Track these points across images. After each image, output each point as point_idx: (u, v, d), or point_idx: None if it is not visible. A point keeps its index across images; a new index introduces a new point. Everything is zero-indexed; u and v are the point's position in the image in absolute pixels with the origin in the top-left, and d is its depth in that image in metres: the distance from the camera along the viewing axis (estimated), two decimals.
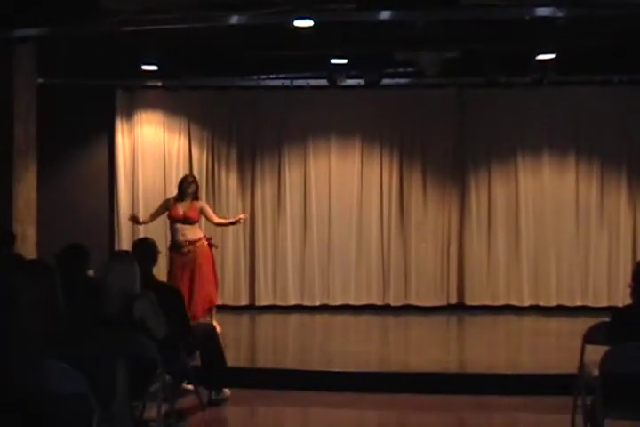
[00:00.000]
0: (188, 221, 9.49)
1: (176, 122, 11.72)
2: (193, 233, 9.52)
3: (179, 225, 9.54)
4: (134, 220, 9.92)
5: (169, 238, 9.72)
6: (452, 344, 10.10)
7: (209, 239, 9.65)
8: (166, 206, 9.70)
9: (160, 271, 9.22)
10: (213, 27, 8.45)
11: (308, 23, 8.02)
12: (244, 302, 11.66)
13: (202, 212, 9.71)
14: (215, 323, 9.12)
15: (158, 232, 10.39)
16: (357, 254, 11.61)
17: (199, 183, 10.13)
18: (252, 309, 11.58)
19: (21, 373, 4.07)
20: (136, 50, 9.85)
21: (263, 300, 11.65)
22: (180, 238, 9.48)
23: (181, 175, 11.53)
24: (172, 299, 6.24)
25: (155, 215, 9.92)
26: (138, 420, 5.68)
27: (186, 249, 9.45)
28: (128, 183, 11.61)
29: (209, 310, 9.60)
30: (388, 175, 11.63)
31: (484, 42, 9.50)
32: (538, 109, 11.35)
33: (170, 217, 9.62)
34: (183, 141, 11.73)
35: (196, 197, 9.68)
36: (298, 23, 8.03)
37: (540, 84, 10.48)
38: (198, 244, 9.50)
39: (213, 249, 9.71)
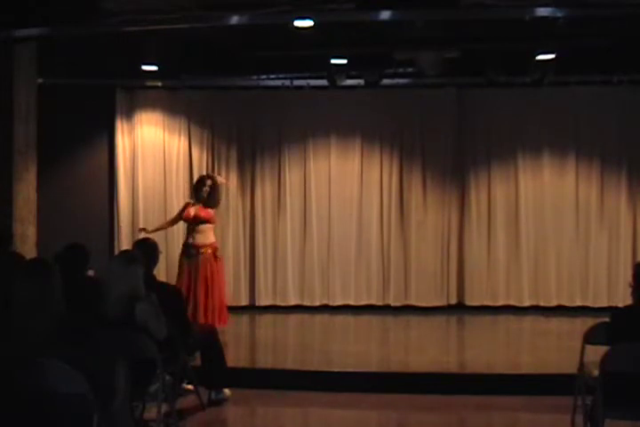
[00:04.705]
0: (199, 221, 9.54)
1: (176, 122, 11.72)
2: (204, 237, 9.53)
3: (190, 227, 9.60)
4: (144, 231, 9.76)
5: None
6: (452, 344, 10.10)
7: (214, 249, 9.64)
8: (183, 209, 9.78)
9: (160, 271, 9.24)
10: (213, 27, 8.46)
11: (308, 23, 8.02)
12: (244, 302, 11.66)
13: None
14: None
15: (158, 233, 10.37)
16: (357, 254, 11.61)
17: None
18: (252, 309, 11.59)
19: (21, 372, 4.07)
20: (136, 50, 9.84)
21: (263, 300, 11.65)
22: (189, 241, 9.52)
23: (181, 175, 11.66)
24: (172, 299, 6.25)
25: (174, 221, 9.96)
26: (138, 420, 5.68)
27: (194, 252, 9.49)
28: (128, 183, 11.60)
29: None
30: (388, 175, 11.63)
31: (484, 42, 9.50)
32: (538, 109, 11.35)
33: (183, 219, 9.70)
34: (183, 141, 11.73)
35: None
36: (298, 23, 8.03)
37: (540, 84, 10.48)
38: (202, 249, 9.52)
39: (219, 263, 9.66)
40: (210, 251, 9.50)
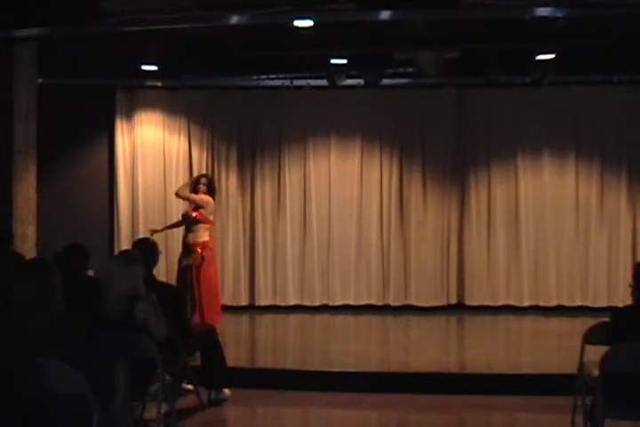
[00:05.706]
0: (193, 221, 9.62)
1: (176, 122, 11.72)
2: (195, 236, 9.56)
3: (186, 226, 9.72)
4: (155, 231, 9.83)
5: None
6: (452, 344, 10.10)
7: (203, 248, 9.60)
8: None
9: (160, 271, 9.25)
10: (213, 27, 8.46)
11: (308, 23, 8.03)
12: (244, 302, 11.66)
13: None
14: None
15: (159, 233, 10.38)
16: (357, 254, 11.61)
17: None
18: (252, 309, 11.59)
19: (21, 372, 4.07)
20: (136, 50, 9.85)
21: (263, 300, 11.65)
22: (185, 240, 9.62)
23: (181, 175, 11.68)
24: (172, 299, 6.24)
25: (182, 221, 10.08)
26: (138, 420, 5.68)
27: (187, 250, 9.55)
28: (128, 183, 11.60)
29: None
30: (388, 175, 11.63)
31: (484, 42, 9.50)
32: (538, 109, 11.35)
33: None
34: (183, 141, 11.73)
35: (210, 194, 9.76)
36: (298, 23, 8.04)
37: (540, 84, 10.48)
38: (193, 248, 9.54)
39: (205, 263, 9.58)
40: (199, 249, 9.54)
